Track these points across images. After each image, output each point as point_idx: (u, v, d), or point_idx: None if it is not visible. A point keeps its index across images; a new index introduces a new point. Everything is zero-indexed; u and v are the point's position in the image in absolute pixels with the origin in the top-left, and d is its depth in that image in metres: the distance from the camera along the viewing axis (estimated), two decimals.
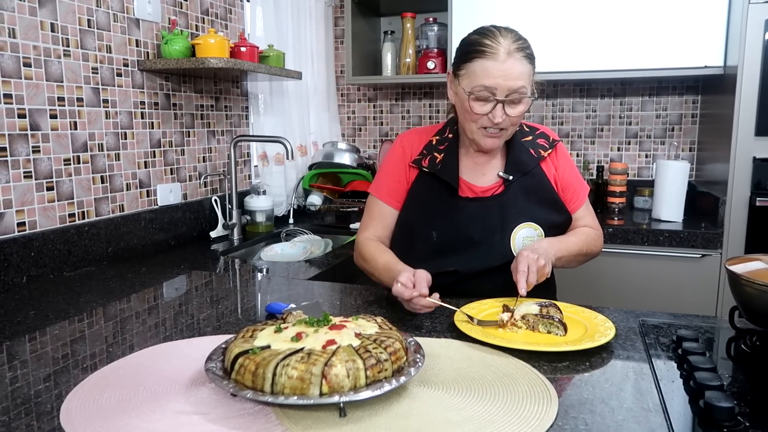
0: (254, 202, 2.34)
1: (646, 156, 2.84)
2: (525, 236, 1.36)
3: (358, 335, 0.88)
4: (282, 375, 0.78)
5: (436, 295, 1.17)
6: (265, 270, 1.78)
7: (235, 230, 2.21)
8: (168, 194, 2.05)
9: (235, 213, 2.22)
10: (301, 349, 0.83)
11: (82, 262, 1.68)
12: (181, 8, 2.08)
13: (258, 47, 2.09)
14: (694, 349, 0.93)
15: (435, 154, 1.45)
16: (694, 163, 2.75)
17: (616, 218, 2.51)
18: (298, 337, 0.87)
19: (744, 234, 2.17)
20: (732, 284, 1.00)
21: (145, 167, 1.96)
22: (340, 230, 2.43)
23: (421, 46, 2.82)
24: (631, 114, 2.84)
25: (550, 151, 1.46)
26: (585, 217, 1.49)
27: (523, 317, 1.11)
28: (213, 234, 2.19)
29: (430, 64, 2.71)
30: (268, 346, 0.85)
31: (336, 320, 0.93)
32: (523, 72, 1.27)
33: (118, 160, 1.84)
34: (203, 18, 2.20)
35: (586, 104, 2.90)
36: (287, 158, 2.07)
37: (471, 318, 1.13)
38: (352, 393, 0.77)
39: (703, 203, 2.47)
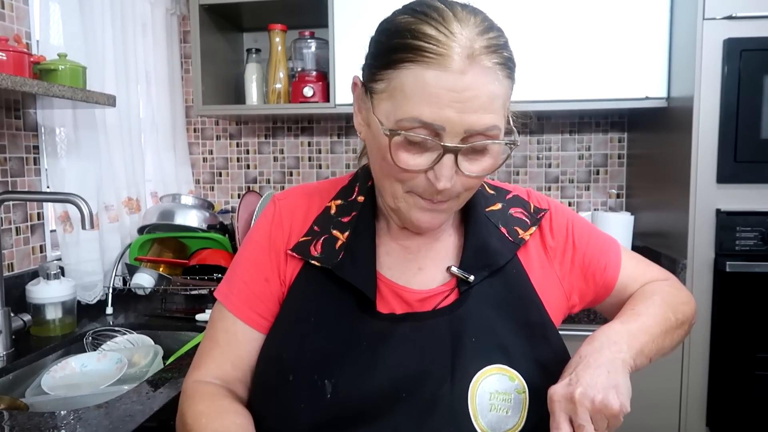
0: (41, 291, 1.52)
1: (569, 204, 2.39)
2: (493, 390, 0.72)
3: None
4: None
5: None
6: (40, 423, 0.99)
7: None
8: None
9: None
10: None
11: None
12: None
13: (32, 55, 1.33)
14: None
15: (334, 232, 0.80)
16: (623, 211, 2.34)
17: None
18: None
19: (709, 307, 1.71)
20: None
21: None
22: (181, 325, 1.67)
23: (295, 68, 2.17)
24: (550, 155, 2.38)
25: (534, 229, 0.85)
26: (644, 272, 0.90)
27: None
28: None
29: (308, 91, 2.07)
30: None
31: None
32: (496, 93, 0.67)
33: None
34: None
35: None
36: (83, 227, 1.31)
37: None
38: None
39: None
